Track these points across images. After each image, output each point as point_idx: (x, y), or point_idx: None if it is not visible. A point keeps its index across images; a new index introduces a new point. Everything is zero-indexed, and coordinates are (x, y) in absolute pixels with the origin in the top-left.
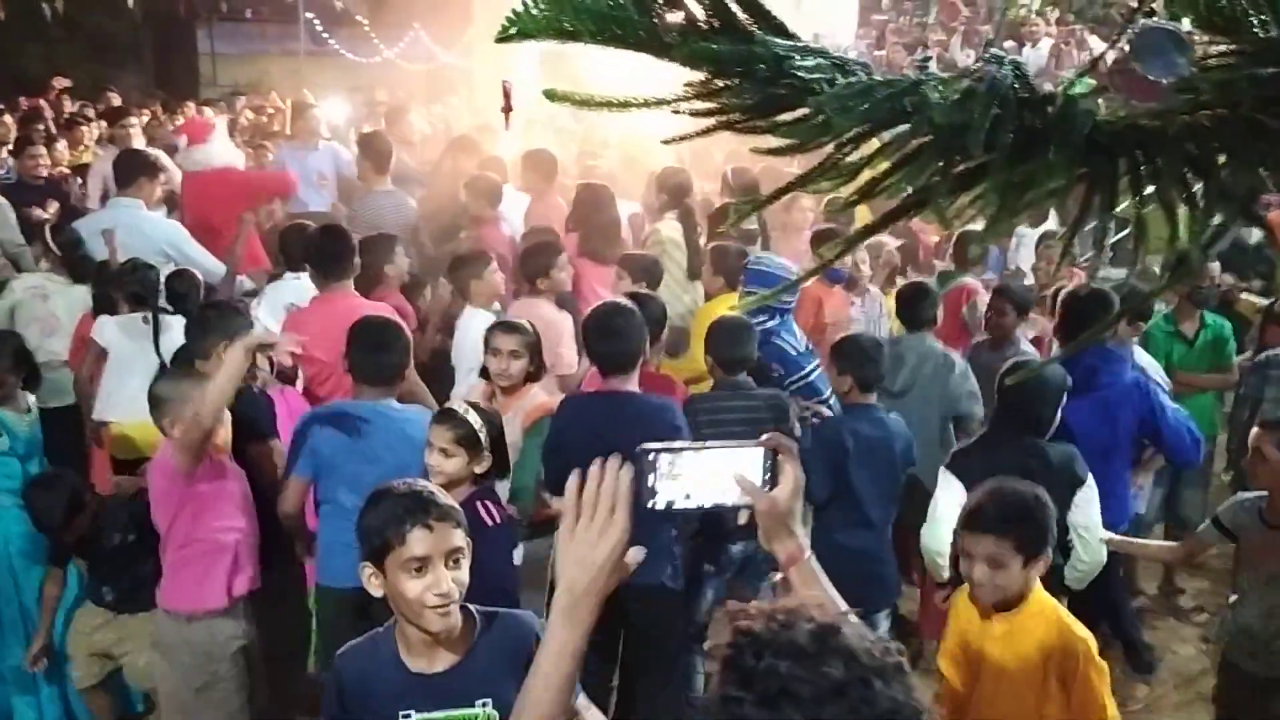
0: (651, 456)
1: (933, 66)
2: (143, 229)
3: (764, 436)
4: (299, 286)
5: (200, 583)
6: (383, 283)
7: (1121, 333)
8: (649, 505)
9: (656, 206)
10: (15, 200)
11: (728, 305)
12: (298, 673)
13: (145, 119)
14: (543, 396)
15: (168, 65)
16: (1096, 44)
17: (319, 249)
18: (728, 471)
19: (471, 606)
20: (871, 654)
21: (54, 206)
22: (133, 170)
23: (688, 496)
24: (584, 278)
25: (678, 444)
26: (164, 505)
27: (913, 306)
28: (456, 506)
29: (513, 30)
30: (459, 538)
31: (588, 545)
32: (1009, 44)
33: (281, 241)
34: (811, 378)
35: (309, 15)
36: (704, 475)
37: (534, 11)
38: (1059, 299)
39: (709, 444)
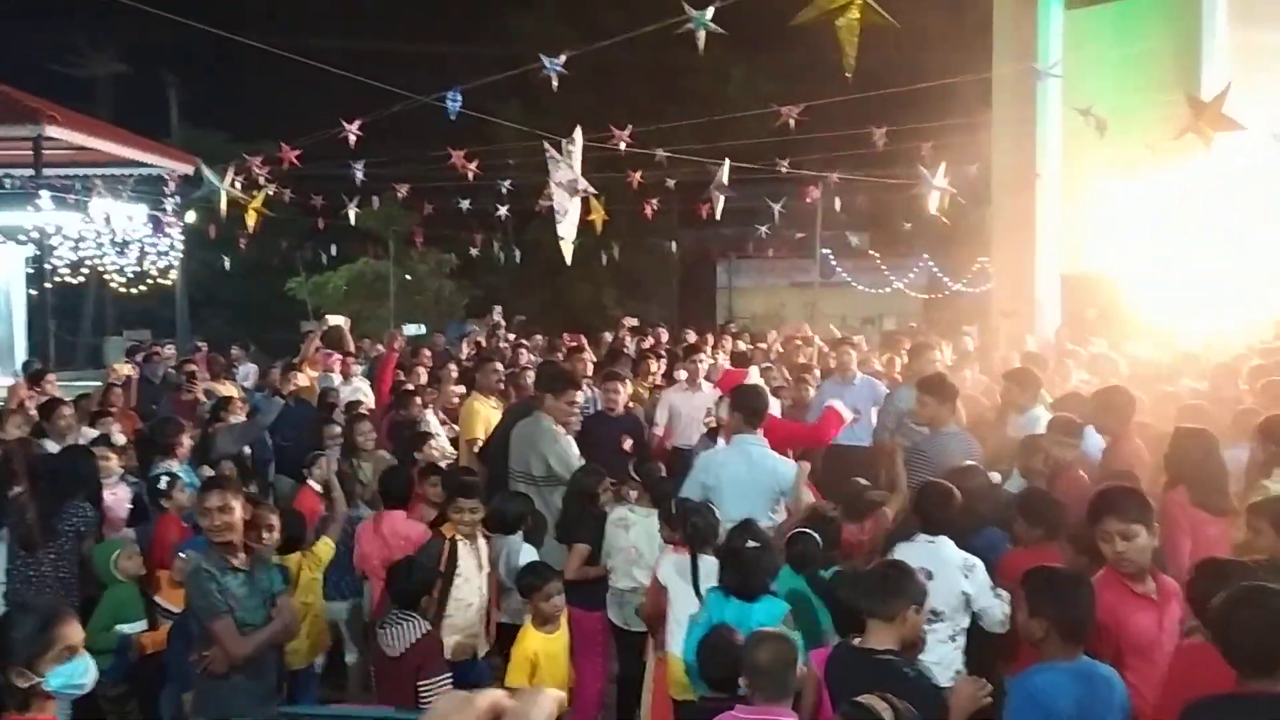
0: None
1: None
2: (764, 465)
3: None
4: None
5: None
6: None
7: None
8: None
9: (1262, 459)
10: (596, 431)
11: None
12: None
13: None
14: None
15: (690, 300)
16: None
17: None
18: None
19: None
20: None
21: (628, 442)
22: (757, 408)
23: None
24: (1201, 531)
25: None
26: None
27: None
28: None
29: None
30: None
31: None
32: None
33: (921, 502)
34: None
35: (825, 251)
36: None
37: None
38: None
39: None
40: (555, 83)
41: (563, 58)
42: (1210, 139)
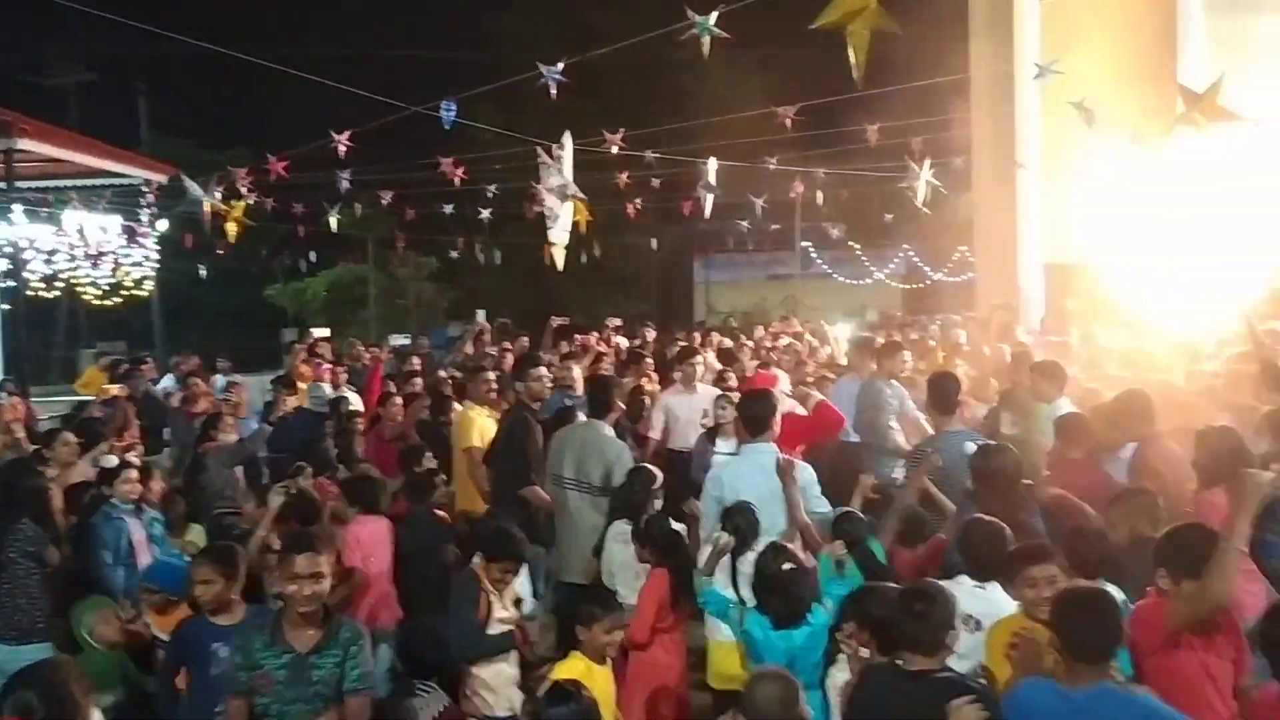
0: None
1: None
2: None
3: None
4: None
5: None
6: None
7: None
8: None
9: (1263, 450)
10: None
11: None
12: None
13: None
14: None
15: (669, 296)
16: None
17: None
18: None
19: None
20: None
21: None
22: (760, 414)
23: None
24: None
25: None
26: None
27: None
28: None
29: None
30: None
31: None
32: None
33: (968, 542)
34: None
35: (805, 243)
36: None
37: None
38: None
39: None
40: (554, 91)
41: (560, 65)
42: (1205, 129)
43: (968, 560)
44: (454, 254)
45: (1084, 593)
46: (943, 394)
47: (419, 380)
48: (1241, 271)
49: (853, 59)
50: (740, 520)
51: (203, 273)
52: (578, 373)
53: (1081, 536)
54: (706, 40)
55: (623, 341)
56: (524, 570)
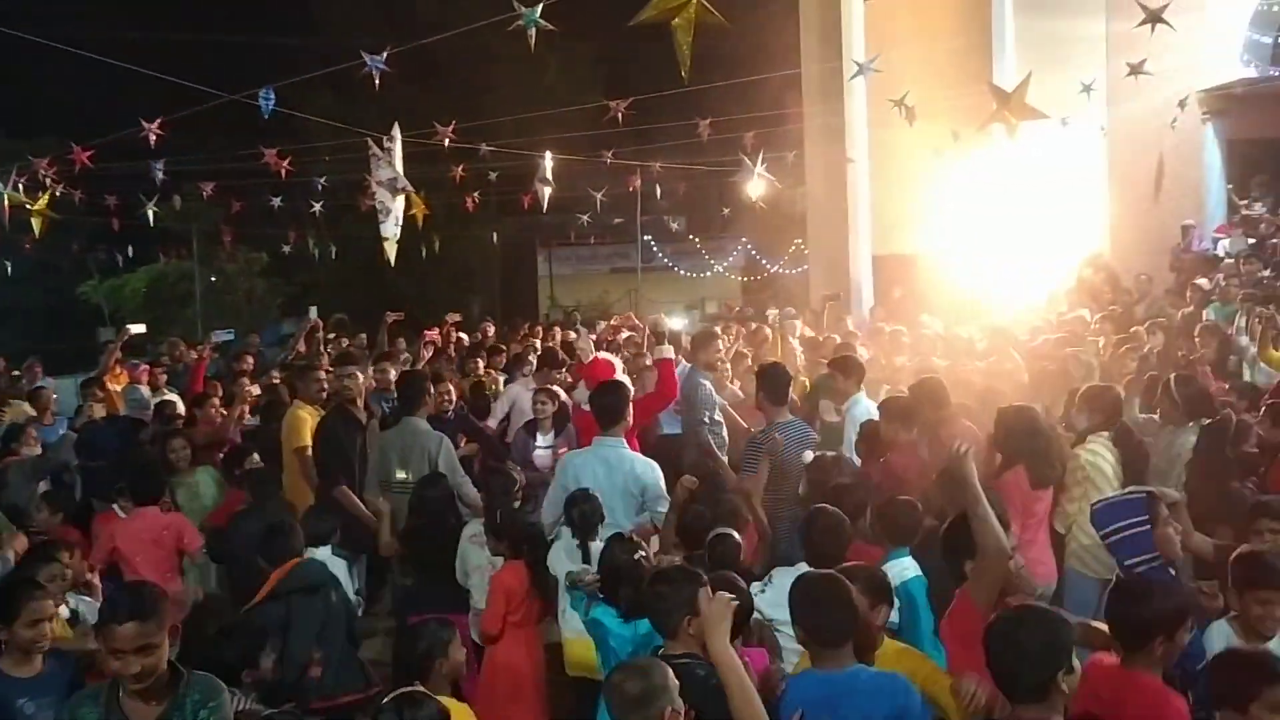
0: None
1: None
2: (623, 468)
3: None
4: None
5: None
6: None
7: None
8: None
9: (1084, 425)
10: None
11: None
12: None
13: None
14: None
15: (512, 289)
16: None
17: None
18: None
19: None
20: None
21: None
22: (619, 409)
23: None
24: (1031, 508)
25: None
26: None
27: None
28: None
29: None
30: None
31: None
32: None
33: (810, 532)
34: None
35: (646, 237)
36: None
37: None
38: None
39: None
40: (378, 80)
41: (385, 54)
42: (1015, 127)
43: (809, 551)
44: (286, 248)
45: (816, 580)
46: (774, 385)
47: (247, 380)
48: (1050, 262)
49: (679, 54)
50: (585, 507)
51: (9, 270)
52: (394, 374)
53: (892, 506)
54: (533, 32)
55: (463, 336)
56: (342, 567)
